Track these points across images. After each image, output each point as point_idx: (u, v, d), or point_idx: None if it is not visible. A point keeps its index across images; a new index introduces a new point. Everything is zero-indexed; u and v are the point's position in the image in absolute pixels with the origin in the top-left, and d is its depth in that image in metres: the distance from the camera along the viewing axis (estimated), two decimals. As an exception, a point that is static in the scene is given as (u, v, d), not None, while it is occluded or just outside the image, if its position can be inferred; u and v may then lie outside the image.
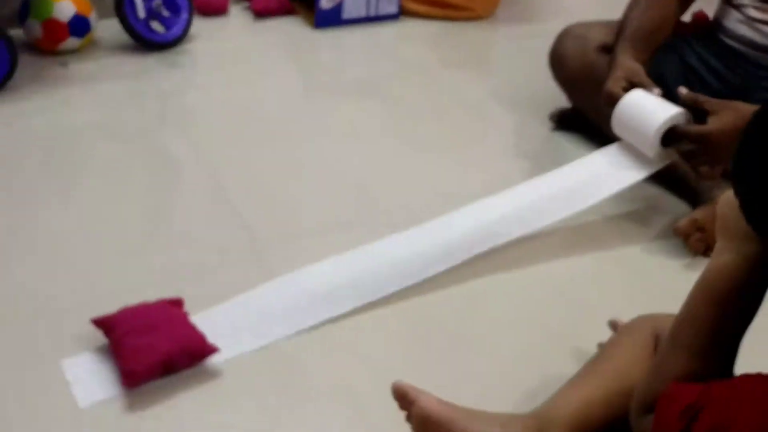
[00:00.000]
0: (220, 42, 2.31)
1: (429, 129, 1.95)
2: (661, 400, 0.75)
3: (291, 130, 1.89)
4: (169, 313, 1.21)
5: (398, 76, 2.26)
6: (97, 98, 1.97)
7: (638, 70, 1.52)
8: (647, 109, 1.46)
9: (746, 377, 0.72)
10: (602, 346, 1.13)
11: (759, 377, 0.70)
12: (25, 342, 1.21)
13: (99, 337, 1.19)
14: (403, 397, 0.93)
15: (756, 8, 1.58)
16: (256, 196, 1.61)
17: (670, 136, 1.45)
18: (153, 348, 1.13)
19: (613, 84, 1.51)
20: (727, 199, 0.77)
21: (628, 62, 1.53)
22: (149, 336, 1.15)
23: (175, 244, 1.46)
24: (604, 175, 1.51)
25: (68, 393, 1.12)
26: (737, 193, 0.70)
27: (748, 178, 0.68)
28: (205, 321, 1.22)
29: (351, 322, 1.27)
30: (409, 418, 0.94)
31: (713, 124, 1.39)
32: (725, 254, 0.77)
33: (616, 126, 1.52)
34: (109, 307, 1.21)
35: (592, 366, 1.04)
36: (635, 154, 1.51)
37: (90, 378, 1.15)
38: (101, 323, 1.18)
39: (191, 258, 1.41)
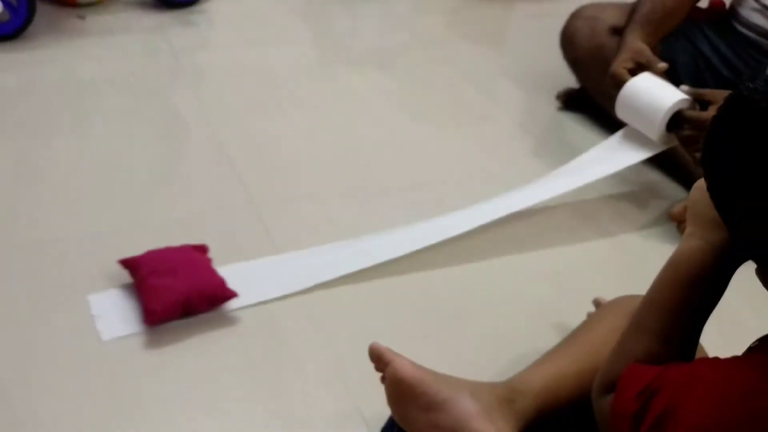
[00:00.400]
0: (236, 4, 2.32)
1: (437, 103, 1.95)
2: (621, 381, 0.76)
3: (300, 95, 1.90)
4: (192, 257, 1.24)
5: (411, 48, 2.26)
6: (112, 51, 2.00)
7: (644, 49, 1.51)
8: (654, 93, 1.46)
9: (703, 361, 0.72)
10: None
11: (716, 361, 0.71)
12: (56, 276, 1.25)
13: (125, 277, 1.22)
14: (378, 359, 0.94)
15: (772, -3, 1.57)
16: (258, 158, 1.62)
17: (672, 121, 1.45)
18: (173, 289, 1.16)
19: (618, 65, 1.51)
20: (699, 185, 0.77)
21: (635, 43, 1.52)
22: (170, 277, 1.18)
23: (175, 200, 1.48)
24: (605, 153, 1.51)
25: (92, 326, 1.16)
26: (706, 180, 0.70)
27: (716, 165, 0.68)
28: (225, 271, 1.24)
29: (346, 294, 1.29)
30: (383, 380, 0.96)
31: (713, 110, 1.39)
32: (694, 240, 0.77)
33: (621, 108, 1.51)
34: (114, 250, 1.25)
35: (568, 341, 1.04)
36: (637, 137, 1.51)
37: (114, 314, 1.18)
38: (127, 263, 1.22)
39: (187, 215, 1.43)
